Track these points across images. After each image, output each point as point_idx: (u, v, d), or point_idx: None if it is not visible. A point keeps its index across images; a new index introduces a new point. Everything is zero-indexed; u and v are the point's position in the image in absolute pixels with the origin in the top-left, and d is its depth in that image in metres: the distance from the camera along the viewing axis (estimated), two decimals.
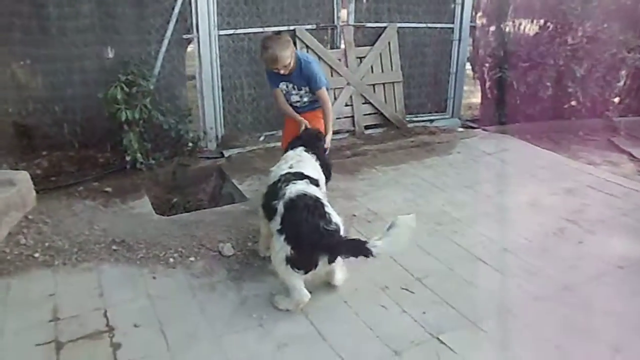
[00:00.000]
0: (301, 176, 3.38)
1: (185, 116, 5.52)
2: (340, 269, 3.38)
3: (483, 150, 5.95)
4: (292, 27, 5.98)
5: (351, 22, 6.34)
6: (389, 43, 6.47)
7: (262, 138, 6.21)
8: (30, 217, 4.30)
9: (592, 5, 6.62)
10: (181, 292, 3.41)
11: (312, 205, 3.10)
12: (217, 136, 5.98)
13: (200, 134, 5.71)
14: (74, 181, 5.01)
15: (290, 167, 3.50)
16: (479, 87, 7.60)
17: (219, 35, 5.69)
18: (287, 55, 3.83)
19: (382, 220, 4.28)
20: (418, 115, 7.00)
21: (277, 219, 3.16)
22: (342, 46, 6.30)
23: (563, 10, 6.54)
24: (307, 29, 6.05)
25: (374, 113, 6.56)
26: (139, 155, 5.05)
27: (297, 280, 3.11)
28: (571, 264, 3.74)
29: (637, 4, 7.07)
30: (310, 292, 3.17)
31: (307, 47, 6.04)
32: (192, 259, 3.78)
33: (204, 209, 4.84)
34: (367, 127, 6.53)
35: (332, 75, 6.21)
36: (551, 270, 3.64)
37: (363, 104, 6.47)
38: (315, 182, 3.41)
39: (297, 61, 3.97)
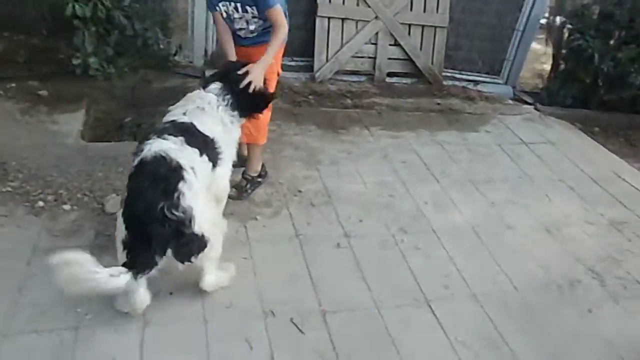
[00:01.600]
0: (185, 130, 2.41)
1: (158, 22, 4.53)
2: (214, 271, 2.47)
3: (521, 137, 4.61)
4: None
5: None
6: None
7: None
8: None
9: None
10: (16, 253, 2.63)
11: (162, 176, 2.17)
12: (206, 52, 5.01)
13: (177, 45, 4.73)
14: (8, 75, 4.27)
15: (184, 114, 2.53)
16: (551, 54, 6.02)
17: None
18: None
19: (331, 207, 3.28)
20: (462, 72, 5.62)
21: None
22: None
23: None
24: None
25: (403, 59, 5.28)
26: (92, 59, 4.20)
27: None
28: (562, 345, 2.61)
29: None
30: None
31: None
32: (66, 207, 2.99)
33: None
34: (390, 75, 5.30)
35: (357, 4, 4.96)
36: (527, 353, 2.52)
37: (391, 45, 5.20)
38: (202, 143, 2.43)
39: None
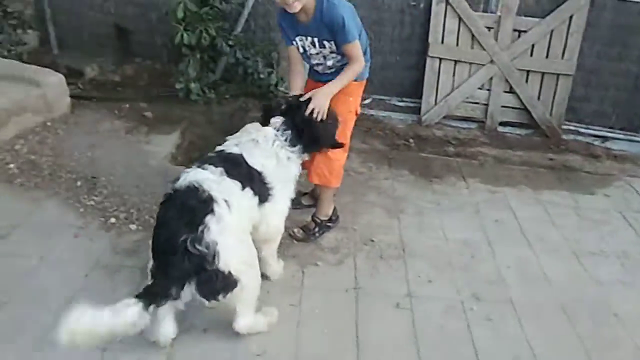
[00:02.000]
0: (230, 161, 2.34)
1: (261, 51, 4.60)
2: (249, 314, 2.32)
3: None
4: None
5: None
6: (571, 17, 4.57)
7: (368, 101, 5.06)
8: (49, 123, 4.01)
9: None
10: (78, 264, 2.73)
11: (189, 207, 2.09)
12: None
13: (278, 76, 4.78)
14: (125, 97, 4.60)
15: (235, 145, 2.46)
16: None
17: None
18: None
19: (402, 261, 3.01)
20: (588, 127, 5.00)
21: None
22: (498, 11, 4.63)
23: None
24: None
25: (519, 108, 4.84)
26: (193, 85, 4.38)
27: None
28: None
29: None
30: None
31: (447, 2, 4.56)
32: (133, 226, 3.07)
33: None
34: (503, 124, 4.88)
35: (472, 46, 4.66)
36: None
37: (505, 92, 4.79)
38: (247, 176, 2.33)
39: (318, 2, 2.65)
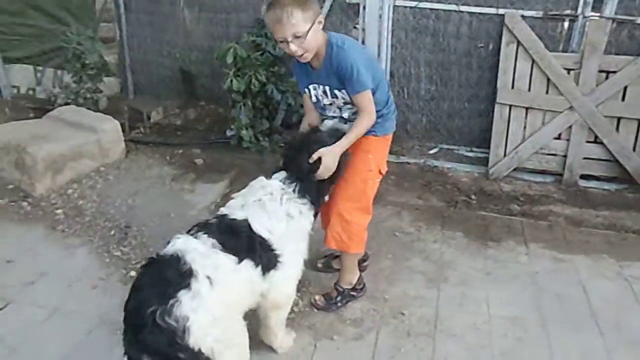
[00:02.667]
0: (230, 230, 2.16)
1: None
2: None
3: None
4: (500, 11, 4.14)
5: (608, 13, 4.05)
6: None
7: (434, 150, 4.72)
8: (102, 168, 4.16)
9: None
10: (83, 318, 2.68)
11: (164, 278, 1.93)
12: None
13: None
14: (182, 142, 4.66)
15: (242, 206, 2.28)
16: None
17: (395, 6, 4.34)
18: (299, 19, 2.20)
19: (431, 340, 2.63)
20: None
21: None
22: (580, 50, 4.10)
23: None
24: (525, 16, 4.11)
25: (606, 160, 4.20)
26: (244, 132, 4.31)
27: None
28: None
29: None
30: None
31: (518, 42, 4.12)
32: None
33: None
34: (586, 177, 4.26)
35: (547, 91, 4.15)
36: None
37: (589, 142, 4.19)
38: (247, 247, 2.15)
39: (328, 47, 2.42)
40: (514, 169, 4.32)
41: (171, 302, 1.86)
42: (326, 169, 2.38)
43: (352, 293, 2.87)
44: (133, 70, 5.59)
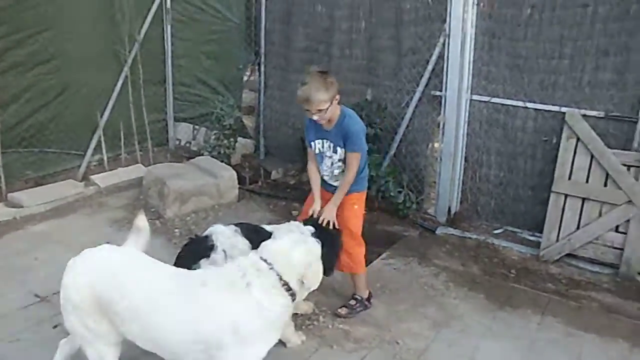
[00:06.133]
0: (255, 229, 3.27)
1: (394, 174, 5.24)
2: None
3: None
4: (563, 109, 4.59)
5: None
6: None
7: (499, 231, 5.13)
8: (217, 206, 5.36)
9: None
10: None
11: (197, 250, 3.11)
12: (449, 210, 5.34)
13: (414, 199, 5.28)
14: (283, 195, 5.74)
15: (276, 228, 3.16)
16: None
17: (471, 100, 5.02)
18: (323, 99, 3.12)
19: None
20: None
21: None
22: None
23: None
24: (586, 115, 4.49)
25: None
26: None
27: None
28: None
29: None
30: None
31: (578, 139, 4.49)
32: None
33: None
34: None
35: (604, 184, 4.41)
36: None
37: None
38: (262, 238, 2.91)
39: (341, 116, 3.34)
40: (571, 256, 4.53)
41: (194, 267, 2.81)
42: (328, 217, 3.27)
43: (366, 303, 3.67)
44: (265, 135, 6.91)
